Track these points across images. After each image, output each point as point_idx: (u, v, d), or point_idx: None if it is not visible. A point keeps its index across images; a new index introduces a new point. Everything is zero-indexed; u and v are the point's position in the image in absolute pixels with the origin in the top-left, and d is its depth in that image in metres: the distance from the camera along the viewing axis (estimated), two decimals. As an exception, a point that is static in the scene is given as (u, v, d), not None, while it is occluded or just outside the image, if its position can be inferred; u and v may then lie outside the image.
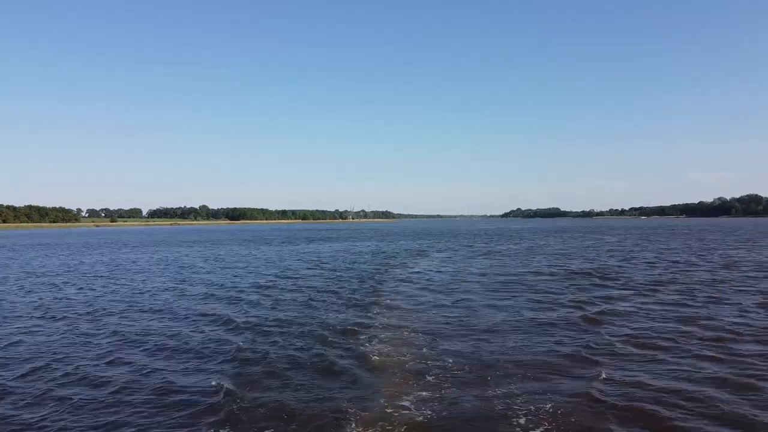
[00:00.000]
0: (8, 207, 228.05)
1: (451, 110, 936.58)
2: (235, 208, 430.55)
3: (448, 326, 19.36)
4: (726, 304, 23.36)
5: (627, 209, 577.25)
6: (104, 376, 13.83)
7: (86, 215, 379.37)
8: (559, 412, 10.62)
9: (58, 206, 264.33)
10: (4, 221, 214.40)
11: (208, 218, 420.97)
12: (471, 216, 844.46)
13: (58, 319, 21.92)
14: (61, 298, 27.63)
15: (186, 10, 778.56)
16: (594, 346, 16.03)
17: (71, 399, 12.20)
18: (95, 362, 15.22)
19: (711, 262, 42.70)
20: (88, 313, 23.17)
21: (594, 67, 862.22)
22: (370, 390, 12.65)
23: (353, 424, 10.56)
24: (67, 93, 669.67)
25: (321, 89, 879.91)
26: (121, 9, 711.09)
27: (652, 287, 28.65)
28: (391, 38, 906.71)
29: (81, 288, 31.83)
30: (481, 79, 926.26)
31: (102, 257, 57.22)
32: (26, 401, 12.13)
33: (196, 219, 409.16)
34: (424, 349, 16.19)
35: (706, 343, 16.42)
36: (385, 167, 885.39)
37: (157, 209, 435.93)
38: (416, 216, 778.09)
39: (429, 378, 13.47)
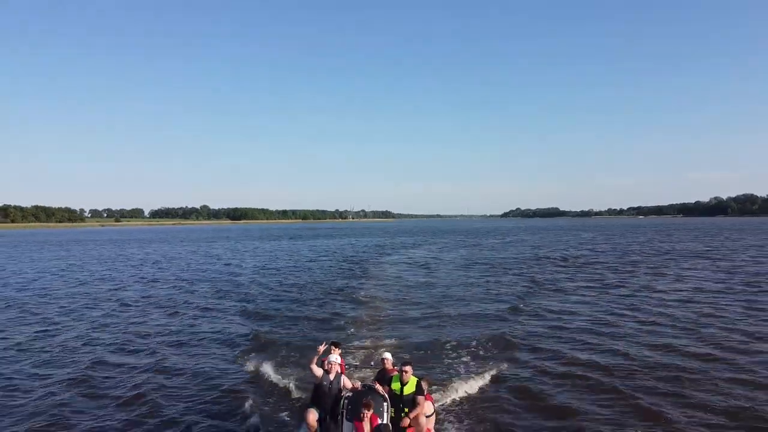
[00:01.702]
0: (16, 207, 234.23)
1: (451, 110, 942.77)
2: (237, 208, 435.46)
3: (418, 287, 25.83)
4: (636, 274, 30.17)
5: (626, 209, 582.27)
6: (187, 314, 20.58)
7: (89, 215, 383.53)
8: (477, 339, 16.08)
9: (63, 206, 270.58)
10: (13, 221, 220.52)
11: (209, 218, 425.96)
12: (471, 216, 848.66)
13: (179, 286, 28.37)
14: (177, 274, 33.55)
15: (187, 10, 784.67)
16: (523, 304, 21.84)
17: (170, 329, 18.31)
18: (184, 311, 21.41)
19: (651, 251, 49.24)
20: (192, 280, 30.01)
21: (594, 67, 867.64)
22: (358, 310, 19.52)
23: (344, 326, 16.94)
24: (67, 94, 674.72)
25: (321, 90, 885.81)
26: (121, 10, 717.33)
27: (588, 266, 35.26)
28: (391, 38, 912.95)
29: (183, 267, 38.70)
30: (482, 80, 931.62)
31: (164, 249, 63.43)
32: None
33: (197, 219, 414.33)
34: (398, 297, 22.68)
35: (601, 295, 22.83)
36: (385, 167, 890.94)
37: (158, 209, 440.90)
38: (416, 216, 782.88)
39: (398, 309, 19.76)
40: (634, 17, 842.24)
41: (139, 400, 10.87)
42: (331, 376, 8.49)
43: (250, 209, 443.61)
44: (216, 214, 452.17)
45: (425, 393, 8.38)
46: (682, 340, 15.00)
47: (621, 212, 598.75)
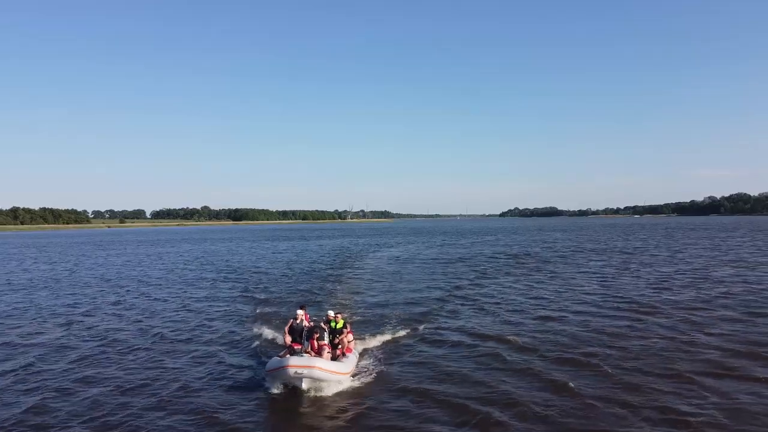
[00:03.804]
0: (24, 209, 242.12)
1: (450, 110, 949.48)
2: (237, 209, 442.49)
3: (387, 275, 33.97)
4: (555, 265, 37.57)
5: (622, 208, 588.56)
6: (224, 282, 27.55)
7: (91, 216, 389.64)
8: (412, 311, 23.17)
9: (70, 208, 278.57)
10: (22, 222, 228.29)
11: (210, 219, 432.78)
12: (470, 215, 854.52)
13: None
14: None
15: (186, 12, 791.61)
16: (460, 289, 29.09)
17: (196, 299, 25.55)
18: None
19: (592, 247, 56.62)
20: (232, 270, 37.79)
21: (593, 67, 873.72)
22: (341, 284, 28.03)
23: (321, 298, 24.32)
24: (66, 95, 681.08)
25: (320, 90, 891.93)
26: (121, 12, 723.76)
27: (528, 259, 43.63)
28: (390, 38, 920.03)
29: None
30: (483, 80, 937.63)
31: (201, 247, 71.00)
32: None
33: (199, 220, 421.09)
34: (368, 282, 30.46)
35: (518, 282, 30.18)
36: (385, 167, 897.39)
37: (160, 210, 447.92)
38: (415, 216, 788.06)
39: (372, 287, 27.83)
40: (630, 17, 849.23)
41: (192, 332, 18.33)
42: (298, 320, 15.60)
43: (251, 210, 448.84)
44: (217, 215, 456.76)
45: (348, 329, 15.52)
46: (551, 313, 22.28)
47: (617, 211, 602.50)
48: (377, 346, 17.10)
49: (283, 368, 12.48)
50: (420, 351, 16.46)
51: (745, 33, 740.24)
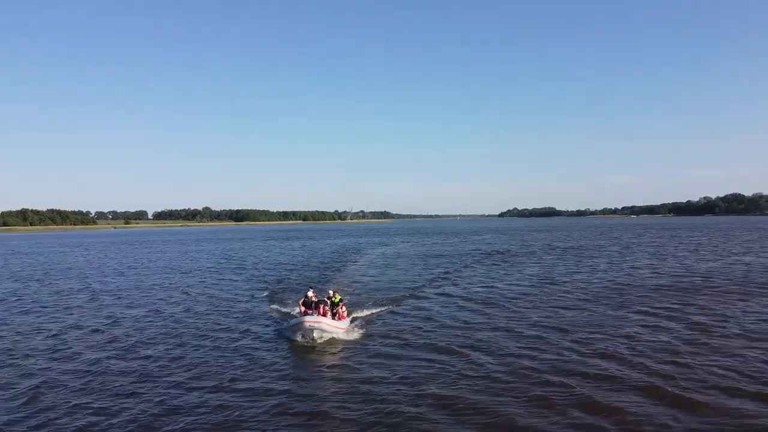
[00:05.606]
0: (33, 211, 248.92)
1: (450, 110, 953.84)
2: (238, 210, 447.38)
3: (380, 266, 41.23)
4: (518, 259, 44.67)
5: (620, 208, 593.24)
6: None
7: (95, 216, 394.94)
8: (392, 295, 29.60)
9: (76, 210, 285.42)
10: (31, 224, 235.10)
11: (211, 219, 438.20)
12: (470, 215, 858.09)
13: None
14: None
15: (186, 11, 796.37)
16: (438, 275, 35.97)
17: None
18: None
19: (562, 245, 63.55)
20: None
21: (593, 67, 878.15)
22: (342, 270, 35.47)
23: (330, 281, 31.21)
24: (66, 96, 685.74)
25: (321, 92, 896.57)
26: (121, 12, 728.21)
27: (499, 255, 50.62)
28: (388, 38, 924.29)
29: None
30: (483, 81, 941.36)
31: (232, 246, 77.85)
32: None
33: (201, 221, 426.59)
34: (364, 272, 37.25)
35: (481, 271, 36.84)
36: (385, 168, 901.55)
37: (162, 211, 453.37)
38: (415, 216, 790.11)
39: (364, 276, 34.74)
40: (629, 16, 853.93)
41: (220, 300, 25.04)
42: (309, 296, 22.10)
43: (251, 211, 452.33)
44: (218, 216, 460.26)
45: (343, 302, 22.10)
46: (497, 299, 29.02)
47: (615, 212, 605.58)
48: (364, 316, 23.59)
49: (301, 323, 18.88)
50: (393, 318, 23.10)
51: (744, 33, 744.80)
